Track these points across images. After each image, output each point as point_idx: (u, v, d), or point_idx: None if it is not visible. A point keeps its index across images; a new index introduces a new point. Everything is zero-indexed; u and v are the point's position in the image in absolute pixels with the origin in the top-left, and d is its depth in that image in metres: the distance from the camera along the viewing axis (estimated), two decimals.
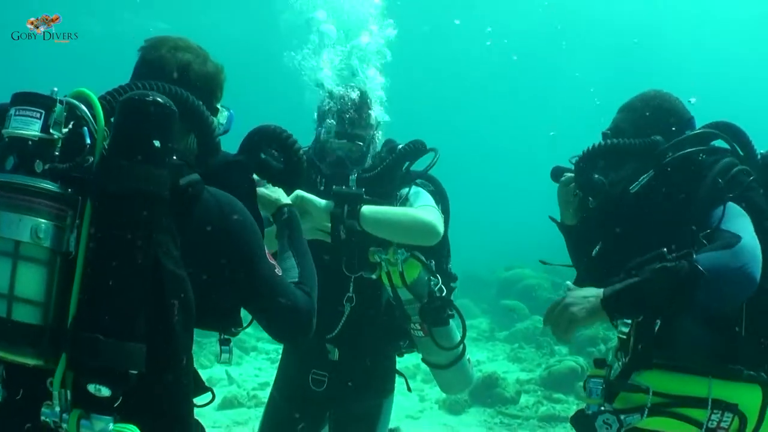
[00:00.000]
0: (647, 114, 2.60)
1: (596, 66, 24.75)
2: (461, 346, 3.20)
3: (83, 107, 1.67)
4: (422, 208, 2.93)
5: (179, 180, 1.69)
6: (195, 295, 1.70)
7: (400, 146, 3.02)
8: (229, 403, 8.14)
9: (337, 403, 3.20)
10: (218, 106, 2.05)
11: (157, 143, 1.61)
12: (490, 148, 37.49)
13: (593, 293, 2.27)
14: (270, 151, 2.16)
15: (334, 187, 2.85)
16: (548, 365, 9.74)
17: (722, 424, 2.32)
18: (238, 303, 1.91)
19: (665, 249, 2.21)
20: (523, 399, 8.81)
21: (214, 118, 1.98)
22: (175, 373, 1.68)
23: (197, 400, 1.86)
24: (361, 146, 3.00)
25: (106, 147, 1.64)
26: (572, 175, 2.65)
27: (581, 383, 9.08)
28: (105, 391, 1.53)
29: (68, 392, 1.57)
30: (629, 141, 2.50)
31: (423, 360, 3.32)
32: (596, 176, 2.56)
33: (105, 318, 1.54)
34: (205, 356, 10.69)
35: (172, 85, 1.81)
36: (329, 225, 2.78)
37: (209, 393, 1.93)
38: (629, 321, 2.32)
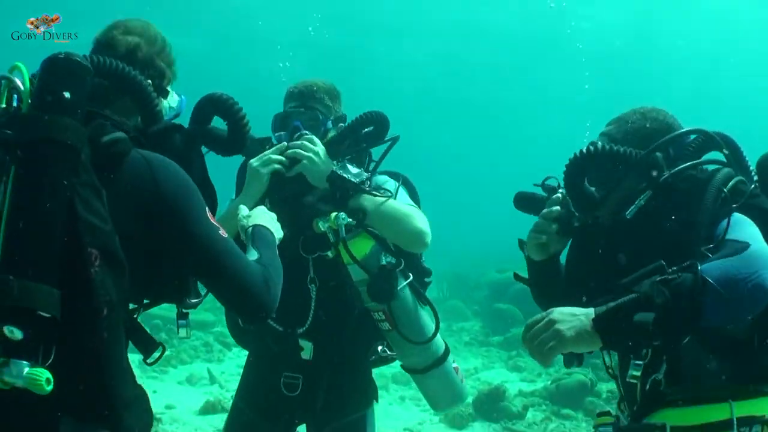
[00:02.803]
0: (644, 126, 2.37)
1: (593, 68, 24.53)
2: (442, 350, 2.99)
3: (16, 79, 1.77)
4: (410, 209, 2.86)
5: (102, 137, 1.74)
6: (135, 261, 1.73)
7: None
8: (211, 408, 7.44)
9: (314, 412, 2.98)
10: (169, 89, 2.14)
11: (66, 94, 1.69)
12: (481, 144, 37.11)
13: (582, 311, 1.97)
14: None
15: (334, 166, 2.82)
16: (555, 378, 9.09)
17: None
18: (184, 269, 1.90)
19: (663, 262, 1.96)
20: (530, 414, 8.18)
21: (161, 98, 2.07)
22: (93, 323, 1.65)
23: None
24: (317, 115, 2.97)
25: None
26: (558, 195, 2.42)
27: (591, 398, 8.72)
28: (17, 333, 1.54)
29: None
30: (629, 150, 2.24)
31: (402, 367, 3.08)
32: (589, 187, 2.27)
33: (15, 259, 1.57)
34: (185, 351, 10.04)
35: (114, 60, 1.91)
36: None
37: (159, 348, 1.93)
38: (640, 363, 2.07)
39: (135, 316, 1.93)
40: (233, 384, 8.78)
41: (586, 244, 2.40)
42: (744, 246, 1.97)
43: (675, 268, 1.94)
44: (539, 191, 2.55)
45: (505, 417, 7.93)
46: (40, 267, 1.57)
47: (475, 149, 37.34)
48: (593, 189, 2.27)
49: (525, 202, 2.56)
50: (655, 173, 2.22)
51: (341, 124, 3.03)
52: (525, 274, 2.60)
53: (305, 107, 2.97)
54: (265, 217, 2.36)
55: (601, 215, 2.34)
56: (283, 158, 2.85)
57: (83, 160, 1.67)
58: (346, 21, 24.33)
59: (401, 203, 2.86)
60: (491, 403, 7.97)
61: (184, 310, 2.03)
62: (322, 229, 2.77)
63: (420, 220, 2.82)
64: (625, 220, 2.21)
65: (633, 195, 2.24)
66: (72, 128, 1.67)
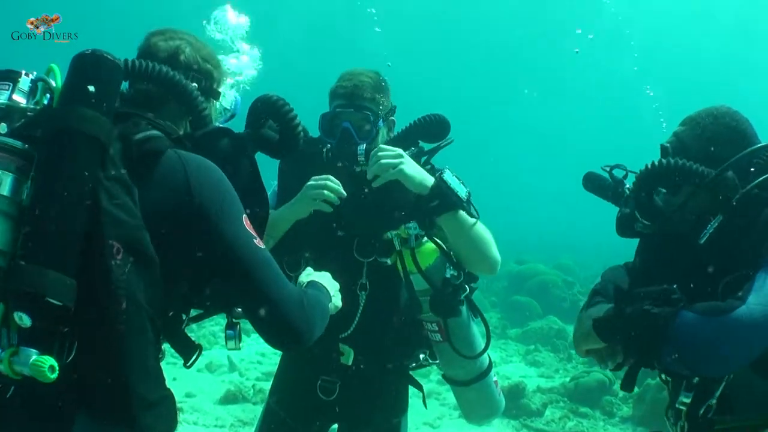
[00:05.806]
0: (717, 132, 2.26)
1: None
2: (486, 364, 2.98)
3: (51, 81, 1.78)
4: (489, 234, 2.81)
5: (134, 134, 1.72)
6: (173, 264, 1.70)
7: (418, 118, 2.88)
8: (232, 398, 7.47)
9: (348, 416, 2.96)
10: (220, 90, 2.11)
11: (91, 88, 1.67)
12: (503, 137, 36.91)
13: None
14: (269, 122, 2.15)
15: (446, 173, 2.70)
16: (574, 376, 9.06)
17: None
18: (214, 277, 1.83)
19: (674, 286, 1.98)
20: (548, 412, 8.18)
21: (212, 100, 2.07)
22: (112, 316, 1.59)
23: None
24: (368, 115, 2.82)
25: None
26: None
27: (609, 397, 8.69)
28: (26, 320, 1.50)
29: (14, 333, 1.54)
30: (701, 169, 2.14)
31: (443, 376, 3.07)
32: (657, 201, 2.26)
33: (29, 245, 1.53)
34: (205, 337, 10.08)
35: (153, 62, 1.90)
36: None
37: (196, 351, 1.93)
38: (689, 394, 2.11)
39: (183, 327, 1.90)
40: (253, 372, 8.83)
41: (651, 251, 2.34)
42: (739, 303, 1.86)
43: (676, 296, 1.96)
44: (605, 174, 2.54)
45: (524, 414, 7.94)
46: (54, 254, 1.53)
47: (496, 138, 37.14)
48: (661, 202, 2.24)
49: (591, 185, 2.55)
50: (726, 195, 2.12)
51: (392, 118, 2.95)
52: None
53: (354, 107, 2.83)
54: (328, 282, 2.25)
55: (668, 227, 2.26)
56: (337, 194, 2.69)
57: (112, 155, 1.65)
58: None
59: (483, 226, 2.79)
60: (511, 400, 7.93)
61: (234, 320, 1.95)
62: (390, 236, 2.73)
63: (494, 247, 2.79)
64: (696, 246, 2.12)
65: (704, 215, 2.16)
66: (94, 120, 1.63)
